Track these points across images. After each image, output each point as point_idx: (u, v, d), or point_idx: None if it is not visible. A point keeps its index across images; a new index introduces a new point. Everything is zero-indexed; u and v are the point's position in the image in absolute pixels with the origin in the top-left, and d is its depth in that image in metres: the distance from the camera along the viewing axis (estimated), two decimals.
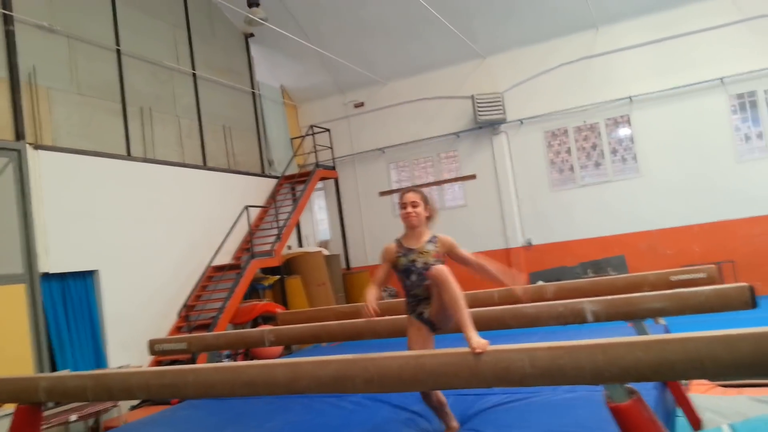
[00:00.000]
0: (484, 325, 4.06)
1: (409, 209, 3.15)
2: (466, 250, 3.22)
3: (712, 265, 5.02)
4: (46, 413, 5.46)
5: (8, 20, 7.63)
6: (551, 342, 2.32)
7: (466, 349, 2.44)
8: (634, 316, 3.53)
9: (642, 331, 3.55)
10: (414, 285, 3.12)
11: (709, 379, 4.83)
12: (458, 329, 2.75)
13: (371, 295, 3.06)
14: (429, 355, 2.53)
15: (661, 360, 2.12)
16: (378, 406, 4.02)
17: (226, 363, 3.16)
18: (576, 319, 3.62)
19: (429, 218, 3.24)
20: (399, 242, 3.21)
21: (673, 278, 4.90)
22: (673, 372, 2.12)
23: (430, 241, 3.15)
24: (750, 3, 10.05)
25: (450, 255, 3.18)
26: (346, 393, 2.77)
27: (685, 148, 10.52)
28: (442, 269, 2.82)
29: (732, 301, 3.28)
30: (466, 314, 2.72)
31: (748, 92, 10.21)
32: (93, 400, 3.47)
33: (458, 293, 2.76)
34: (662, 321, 5.37)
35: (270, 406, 4.27)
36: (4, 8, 7.58)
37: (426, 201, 3.22)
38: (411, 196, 3.19)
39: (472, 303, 5.54)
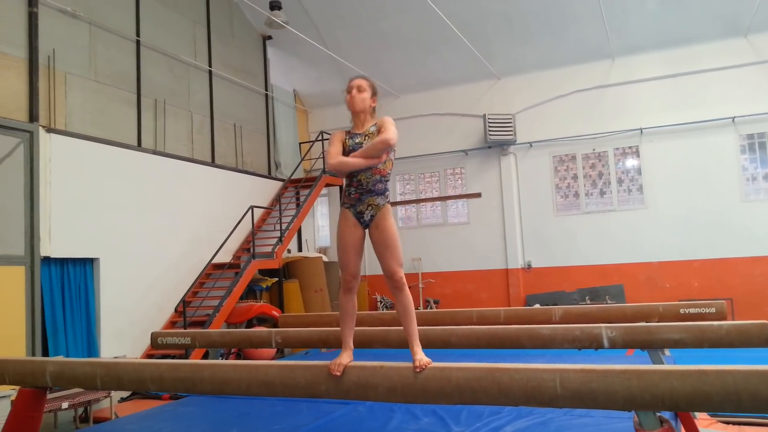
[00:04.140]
0: (497, 344, 4.03)
1: (354, 93, 3.13)
2: (390, 134, 3.01)
3: (722, 301, 5.03)
4: None
5: (32, 2, 7.63)
6: (584, 364, 2.30)
7: (498, 365, 2.41)
8: (651, 345, 3.51)
9: (658, 361, 3.53)
10: (358, 170, 3.05)
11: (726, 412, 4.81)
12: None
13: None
14: (456, 368, 2.50)
15: (696, 390, 2.10)
16: (389, 411, 3.94)
17: (240, 361, 3.11)
18: (592, 343, 3.60)
19: (373, 109, 3.19)
20: (347, 131, 3.20)
21: (683, 311, 4.90)
22: (708, 404, 2.10)
23: (373, 125, 3.12)
24: (766, 46, 10.17)
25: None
26: (367, 400, 2.73)
27: (691, 184, 10.58)
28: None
29: (752, 337, 3.27)
30: (415, 326, 2.81)
31: (758, 133, 10.30)
32: (102, 389, 3.43)
33: (411, 303, 2.82)
34: (668, 352, 5.36)
35: (275, 408, 4.18)
36: None
37: (374, 91, 3.19)
38: (358, 82, 3.17)
39: (479, 320, 5.52)
